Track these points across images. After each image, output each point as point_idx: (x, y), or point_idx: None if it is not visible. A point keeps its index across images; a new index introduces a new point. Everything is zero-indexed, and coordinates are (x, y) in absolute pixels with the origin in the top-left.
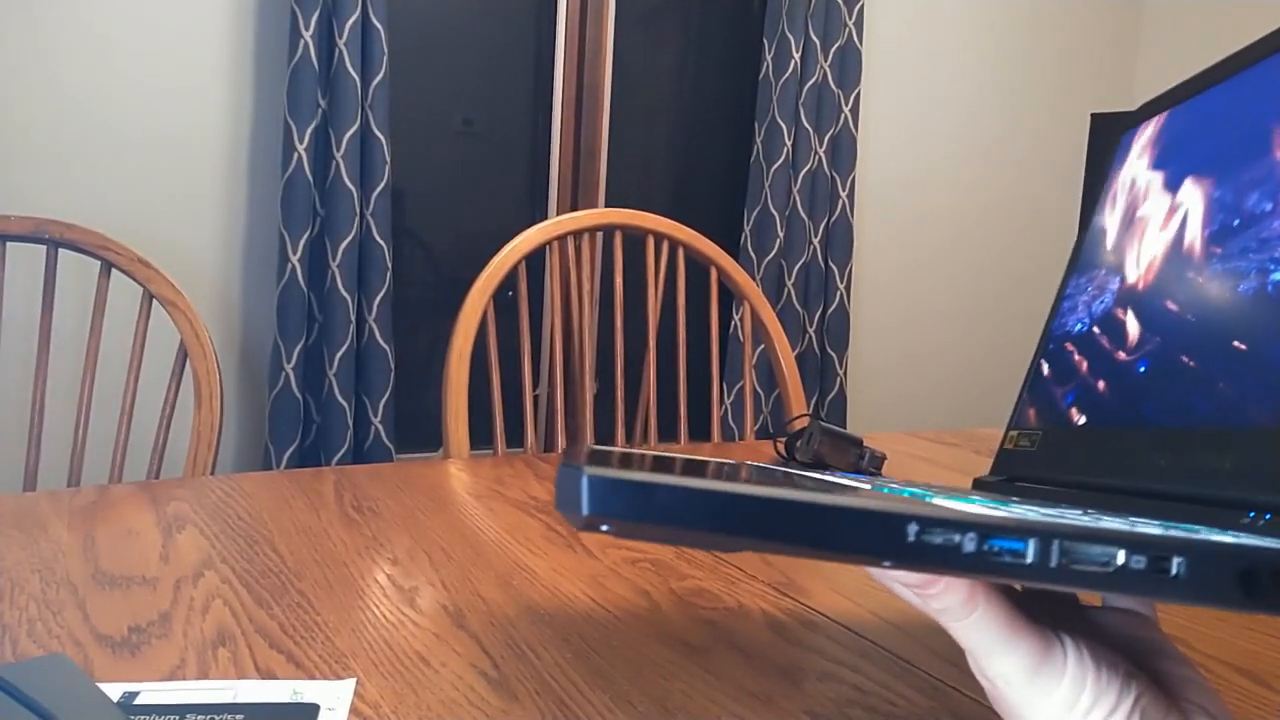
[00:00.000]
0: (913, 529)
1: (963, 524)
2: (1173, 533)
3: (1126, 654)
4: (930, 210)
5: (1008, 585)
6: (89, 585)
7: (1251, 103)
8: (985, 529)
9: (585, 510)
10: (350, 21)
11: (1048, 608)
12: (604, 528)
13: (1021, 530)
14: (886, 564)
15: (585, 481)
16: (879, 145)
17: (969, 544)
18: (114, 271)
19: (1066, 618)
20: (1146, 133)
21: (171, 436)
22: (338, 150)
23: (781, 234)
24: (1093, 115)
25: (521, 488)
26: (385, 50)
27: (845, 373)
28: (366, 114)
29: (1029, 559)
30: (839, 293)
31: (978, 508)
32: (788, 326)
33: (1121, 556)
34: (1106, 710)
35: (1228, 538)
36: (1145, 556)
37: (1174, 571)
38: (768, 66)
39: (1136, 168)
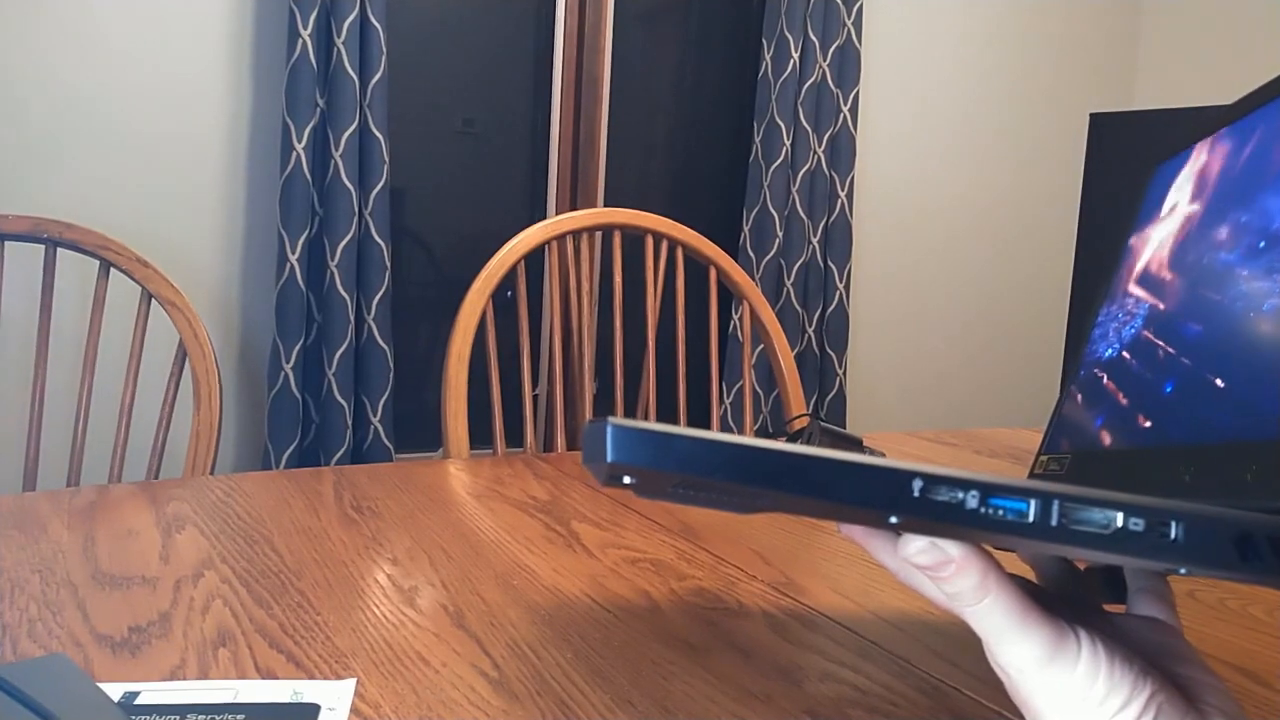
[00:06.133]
0: (918, 484)
1: (966, 483)
2: (1172, 501)
3: (1148, 656)
4: (929, 210)
5: (1025, 581)
6: (89, 585)
7: None
8: (988, 488)
9: (610, 458)
10: (349, 21)
11: (1069, 607)
12: (626, 479)
13: (1023, 491)
14: (892, 519)
15: (610, 431)
16: (878, 145)
17: (971, 501)
18: (113, 271)
19: (1088, 617)
20: (1177, 162)
21: (171, 436)
22: (336, 150)
23: (780, 234)
24: (1092, 115)
25: (521, 487)
26: (384, 49)
27: (845, 373)
28: (365, 113)
29: (1030, 518)
30: (838, 292)
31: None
32: (787, 326)
33: (1120, 519)
34: (1120, 703)
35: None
36: (1144, 520)
37: (1172, 535)
38: (766, 66)
39: (1170, 197)
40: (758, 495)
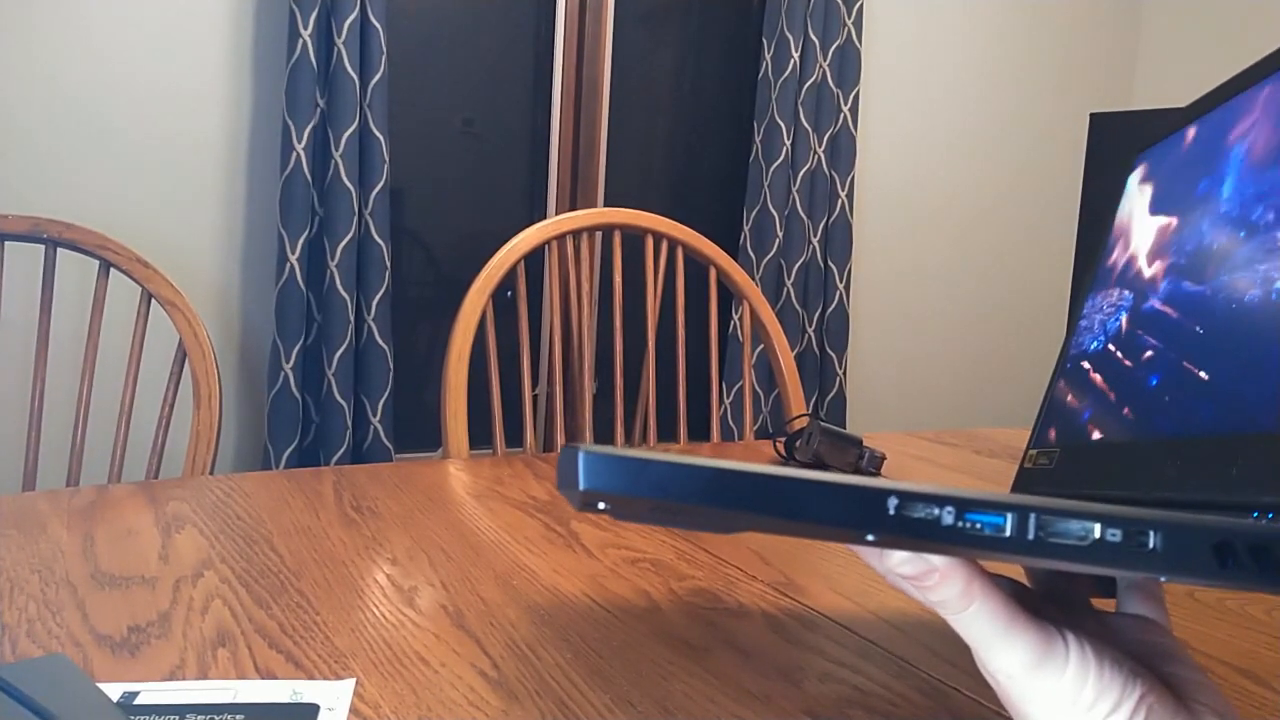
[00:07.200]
0: (893, 502)
1: (941, 498)
2: (1149, 511)
3: (1137, 656)
4: (930, 210)
5: (1012, 583)
6: (88, 585)
7: (1259, 119)
8: (963, 503)
9: (582, 485)
10: (349, 21)
11: (1058, 609)
12: (601, 505)
13: (999, 505)
14: (870, 538)
15: (582, 459)
16: (878, 145)
17: (947, 517)
18: (113, 271)
19: (1077, 619)
20: (1158, 152)
21: (170, 436)
22: (336, 150)
23: (780, 234)
24: (1092, 115)
25: (521, 488)
26: (384, 50)
27: (845, 373)
28: (365, 113)
29: (1007, 532)
30: (838, 293)
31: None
32: (787, 326)
33: (1098, 530)
34: (1110, 706)
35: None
36: (1121, 530)
37: (1150, 545)
38: (767, 66)
39: (1149, 187)
40: (733, 517)
